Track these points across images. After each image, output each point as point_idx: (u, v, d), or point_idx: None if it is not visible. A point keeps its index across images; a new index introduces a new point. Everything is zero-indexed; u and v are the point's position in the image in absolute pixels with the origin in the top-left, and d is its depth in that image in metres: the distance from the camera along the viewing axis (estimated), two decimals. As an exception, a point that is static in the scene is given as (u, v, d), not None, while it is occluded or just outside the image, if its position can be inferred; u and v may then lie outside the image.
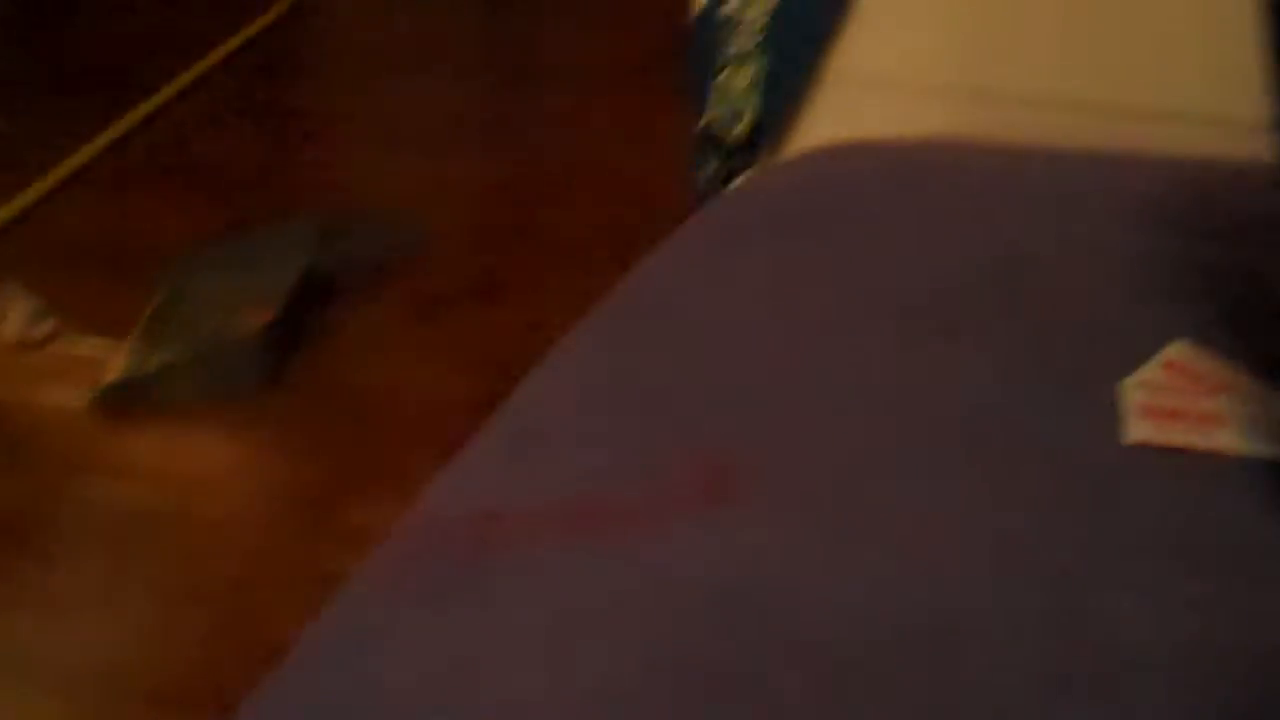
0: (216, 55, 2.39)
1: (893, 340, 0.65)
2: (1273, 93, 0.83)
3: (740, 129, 1.02)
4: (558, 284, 1.66)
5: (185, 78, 2.32)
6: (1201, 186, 0.75)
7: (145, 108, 2.22)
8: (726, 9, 1.01)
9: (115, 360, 1.63)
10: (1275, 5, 0.46)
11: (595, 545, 0.55)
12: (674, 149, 1.99)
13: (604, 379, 0.66)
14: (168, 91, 2.27)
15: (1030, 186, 0.76)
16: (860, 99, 1.08)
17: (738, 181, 0.96)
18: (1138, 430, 0.58)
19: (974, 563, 0.53)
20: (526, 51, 2.51)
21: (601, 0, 2.64)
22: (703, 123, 1.03)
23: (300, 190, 2.05)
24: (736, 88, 1.02)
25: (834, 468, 0.58)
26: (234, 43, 2.43)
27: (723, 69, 1.01)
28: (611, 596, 0.52)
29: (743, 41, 1.02)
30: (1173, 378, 0.60)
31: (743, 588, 0.52)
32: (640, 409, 0.63)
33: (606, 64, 2.37)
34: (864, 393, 0.61)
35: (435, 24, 2.62)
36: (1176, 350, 0.62)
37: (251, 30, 2.48)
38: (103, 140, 2.14)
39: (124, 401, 1.60)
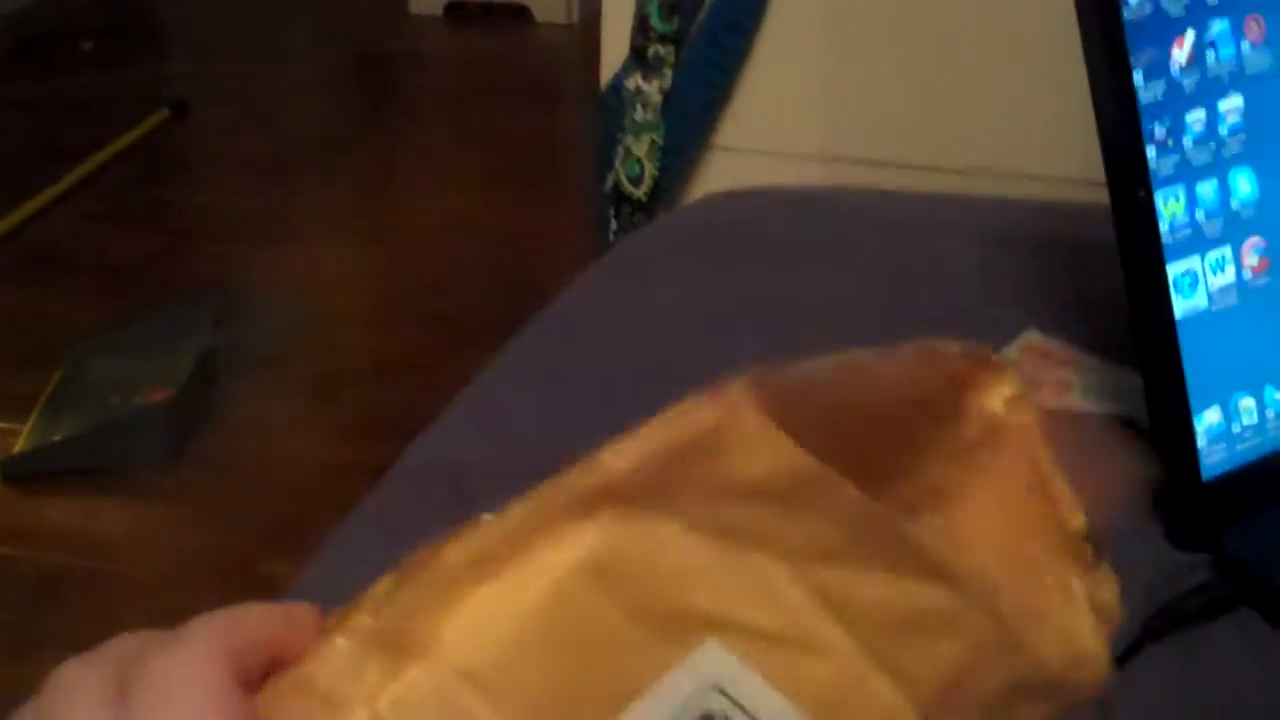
0: (101, 157, 2.45)
1: (794, 332, 0.77)
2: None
3: (643, 189, 1.15)
4: (450, 364, 1.75)
5: (70, 179, 2.37)
6: (1038, 221, 0.90)
7: (32, 205, 2.27)
8: (629, 83, 1.14)
9: (19, 436, 1.67)
10: (1097, 81, 0.59)
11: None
12: (551, 245, 2.12)
13: (557, 369, 0.77)
14: (52, 192, 2.32)
15: (897, 216, 0.90)
16: (740, 165, 1.23)
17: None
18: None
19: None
20: (404, 155, 2.63)
21: (471, 115, 2.78)
22: (610, 182, 1.15)
23: (188, 280, 2.12)
24: (638, 152, 1.16)
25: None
26: (118, 146, 2.50)
27: (626, 135, 1.15)
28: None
29: (643, 112, 1.15)
30: (1028, 355, 0.74)
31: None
32: (585, 391, 0.74)
33: (480, 169, 2.50)
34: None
35: (314, 128, 2.72)
36: (1029, 336, 0.76)
37: (134, 135, 2.55)
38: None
39: (28, 471, 1.64)
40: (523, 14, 3.22)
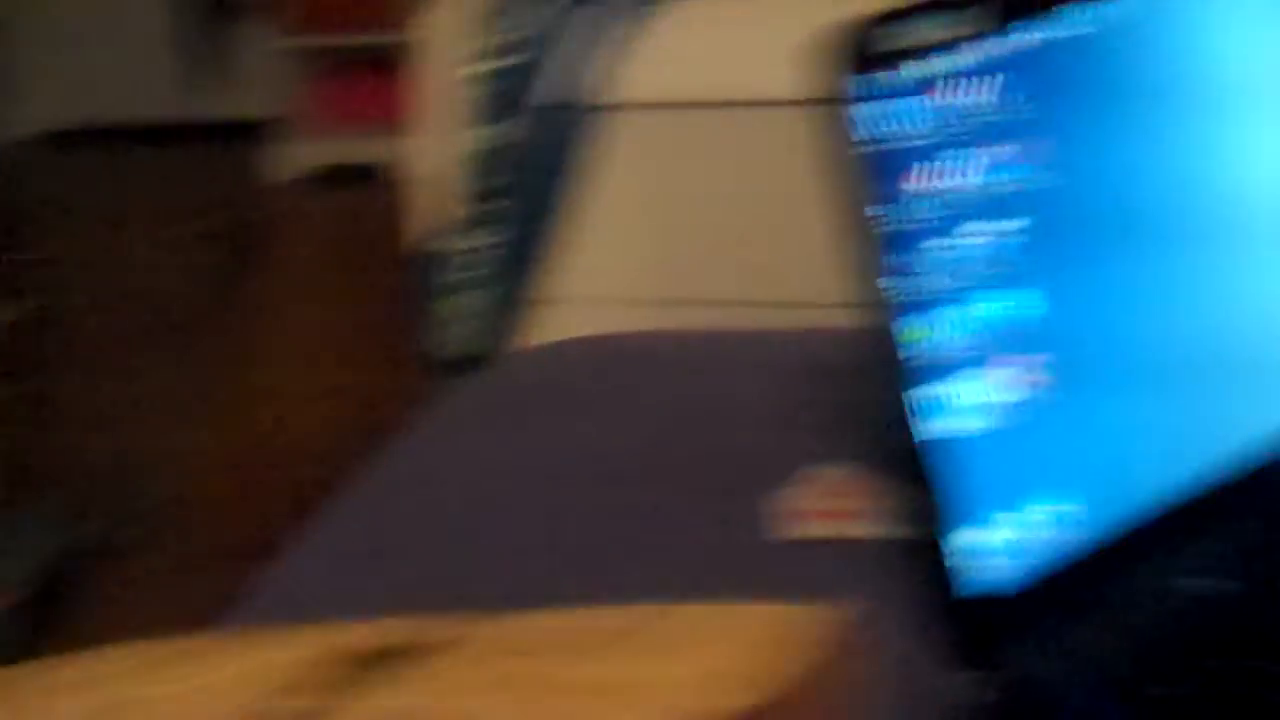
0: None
1: (603, 489, 0.77)
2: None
3: (471, 346, 1.15)
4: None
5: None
6: (842, 349, 0.92)
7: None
8: (454, 240, 1.15)
9: None
10: (839, 213, 0.61)
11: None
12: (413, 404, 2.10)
13: (361, 546, 0.76)
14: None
15: (708, 360, 0.91)
16: (571, 315, 1.24)
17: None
18: (789, 529, 0.71)
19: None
20: (257, 330, 2.61)
21: (328, 278, 2.78)
22: (437, 341, 1.16)
23: (42, 475, 2.07)
24: (468, 309, 1.16)
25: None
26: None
27: (451, 293, 1.15)
28: None
29: (467, 269, 1.16)
30: (829, 488, 0.75)
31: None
32: (392, 572, 0.73)
33: (337, 338, 2.50)
34: (574, 531, 0.74)
35: (169, 306, 2.70)
36: (814, 469, 0.76)
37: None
38: None
39: None
40: (371, 173, 3.26)
